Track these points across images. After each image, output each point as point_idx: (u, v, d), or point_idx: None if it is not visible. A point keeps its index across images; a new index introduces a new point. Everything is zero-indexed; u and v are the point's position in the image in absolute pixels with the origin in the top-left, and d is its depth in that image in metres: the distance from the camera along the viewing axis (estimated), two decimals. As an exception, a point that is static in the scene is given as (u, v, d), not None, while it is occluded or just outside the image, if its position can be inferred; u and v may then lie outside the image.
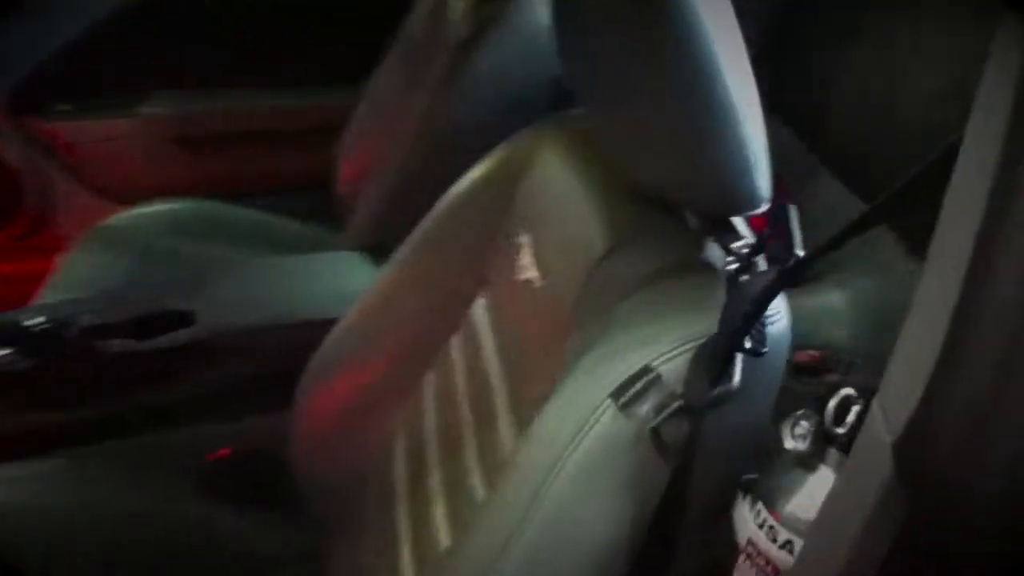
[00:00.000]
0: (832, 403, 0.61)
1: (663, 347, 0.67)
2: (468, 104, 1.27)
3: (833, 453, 0.63)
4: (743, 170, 0.70)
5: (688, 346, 0.67)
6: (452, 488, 0.92)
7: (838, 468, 0.63)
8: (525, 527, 0.68)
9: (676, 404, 0.65)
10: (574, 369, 0.72)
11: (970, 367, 0.44)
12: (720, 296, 0.69)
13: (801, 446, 0.63)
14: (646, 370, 0.67)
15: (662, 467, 0.67)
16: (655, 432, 0.66)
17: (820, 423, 0.62)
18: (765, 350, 0.64)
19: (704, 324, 0.68)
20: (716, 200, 0.73)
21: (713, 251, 0.74)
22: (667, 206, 0.78)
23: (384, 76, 1.52)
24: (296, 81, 1.74)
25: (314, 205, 1.57)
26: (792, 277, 0.63)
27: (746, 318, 0.63)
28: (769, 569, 0.65)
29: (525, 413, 0.80)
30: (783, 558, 0.64)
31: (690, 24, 0.65)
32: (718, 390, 0.65)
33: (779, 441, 0.68)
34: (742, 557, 0.69)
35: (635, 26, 0.68)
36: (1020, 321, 0.43)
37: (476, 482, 0.87)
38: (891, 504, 0.48)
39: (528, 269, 0.89)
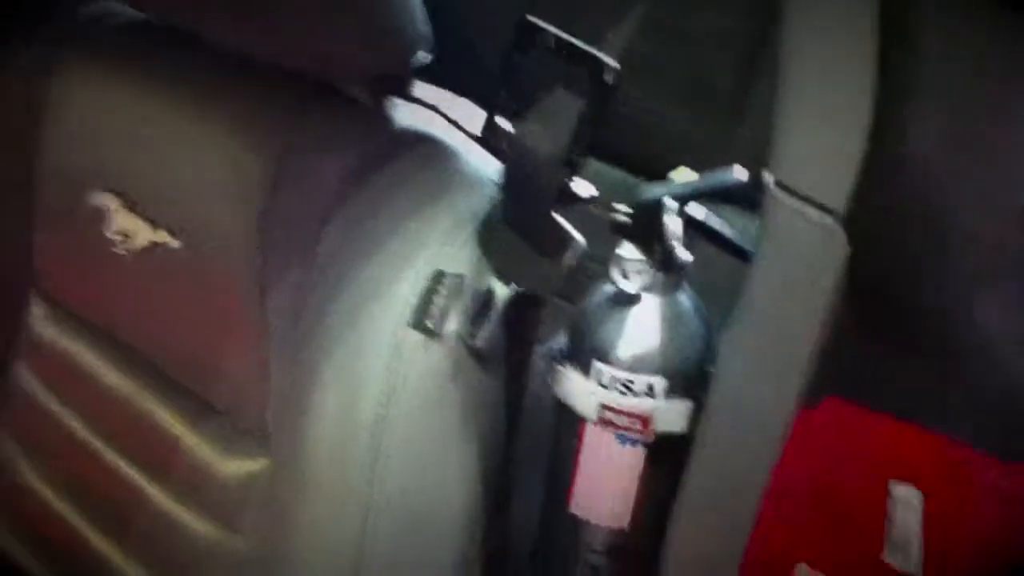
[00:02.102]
0: (669, 222, 0.53)
1: (440, 242, 0.53)
2: None
3: (660, 276, 0.56)
4: (404, 14, 0.56)
5: (464, 232, 0.54)
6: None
7: (664, 288, 0.57)
8: (374, 517, 0.52)
9: (482, 299, 0.53)
10: (328, 320, 0.54)
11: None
12: (458, 163, 0.56)
13: (639, 282, 0.55)
14: (438, 276, 0.52)
15: (489, 377, 0.55)
16: (467, 341, 0.53)
17: (650, 251, 0.54)
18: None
19: (463, 196, 0.55)
20: (379, 57, 0.58)
21: (408, 116, 0.60)
22: (315, 90, 0.60)
23: None
24: None
25: None
26: None
27: (530, 179, 0.52)
28: (636, 423, 0.58)
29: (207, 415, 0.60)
30: (648, 404, 0.58)
31: None
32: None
33: (583, 293, 0.59)
34: (591, 429, 0.60)
35: None
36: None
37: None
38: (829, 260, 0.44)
39: (138, 234, 0.64)
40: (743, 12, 0.64)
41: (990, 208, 0.43)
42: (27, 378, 0.76)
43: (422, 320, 0.51)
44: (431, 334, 0.51)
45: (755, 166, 0.54)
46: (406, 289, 0.52)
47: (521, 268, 0.51)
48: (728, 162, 0.55)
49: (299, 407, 0.55)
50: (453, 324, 0.52)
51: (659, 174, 0.56)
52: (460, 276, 0.52)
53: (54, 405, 0.75)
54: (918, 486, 0.51)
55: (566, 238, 0.50)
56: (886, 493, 0.53)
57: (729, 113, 0.66)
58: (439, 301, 0.52)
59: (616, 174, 0.61)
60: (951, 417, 0.49)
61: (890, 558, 0.54)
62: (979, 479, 0.49)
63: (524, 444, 0.63)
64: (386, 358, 0.52)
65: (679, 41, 0.70)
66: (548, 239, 0.50)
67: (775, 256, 0.46)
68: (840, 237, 0.43)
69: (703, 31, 0.66)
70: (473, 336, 0.51)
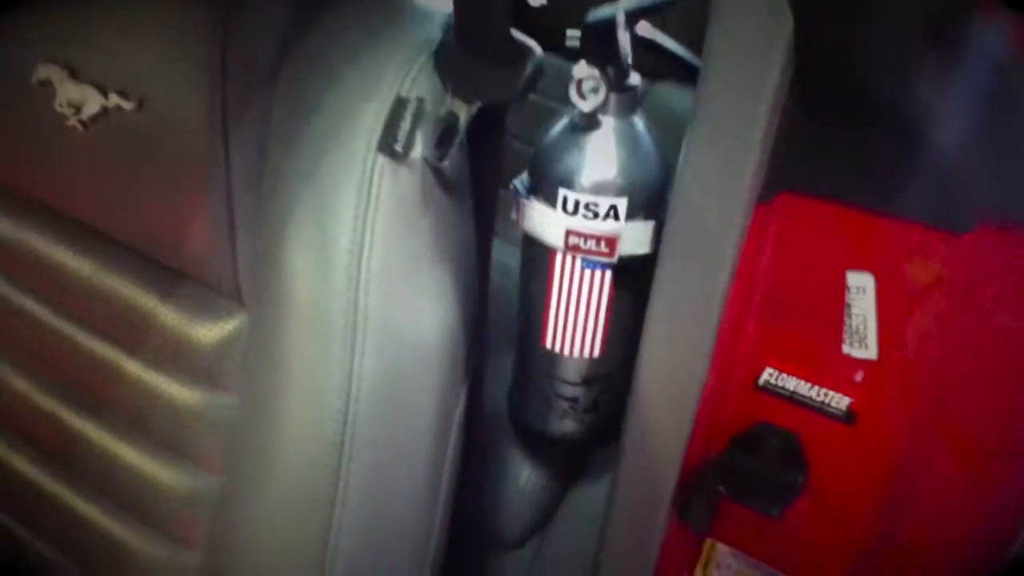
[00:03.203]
0: (620, 40, 0.53)
1: (398, 70, 0.53)
2: None
3: (613, 98, 0.57)
4: None
5: (422, 58, 0.54)
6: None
7: (620, 111, 0.59)
8: (360, 345, 0.53)
9: (445, 123, 0.53)
10: (295, 156, 0.54)
11: None
12: None
13: (595, 101, 0.56)
14: (401, 102, 0.52)
15: (457, 202, 0.56)
16: (434, 166, 0.54)
17: (604, 70, 0.55)
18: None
19: (417, 26, 0.55)
20: None
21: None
22: None
23: None
24: None
25: None
26: None
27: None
28: (603, 245, 0.60)
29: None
30: (612, 226, 0.59)
31: None
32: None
33: (547, 122, 0.60)
34: (561, 257, 0.62)
35: None
36: None
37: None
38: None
39: (87, 102, 0.63)
40: None
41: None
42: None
43: (389, 145, 0.52)
44: (399, 157, 0.52)
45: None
46: (371, 117, 0.53)
47: (481, 84, 0.52)
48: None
49: (272, 252, 0.56)
50: (419, 148, 0.53)
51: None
52: (422, 100, 0.52)
53: (17, 295, 0.74)
54: (872, 271, 0.54)
55: (522, 48, 0.51)
56: (843, 284, 0.55)
57: None
58: (404, 126, 0.52)
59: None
60: (896, 196, 0.51)
61: (849, 348, 0.57)
62: (928, 253, 0.51)
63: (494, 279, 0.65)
64: (356, 186, 0.52)
65: None
66: (505, 52, 0.51)
67: (723, 41, 0.47)
68: (787, 15, 0.44)
69: None
70: (439, 159, 0.52)
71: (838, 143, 0.51)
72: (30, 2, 0.65)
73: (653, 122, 0.61)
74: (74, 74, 0.63)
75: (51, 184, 0.70)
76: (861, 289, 0.55)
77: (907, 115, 0.48)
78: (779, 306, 0.58)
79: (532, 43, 0.51)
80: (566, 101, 0.58)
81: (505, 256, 0.75)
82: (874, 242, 0.53)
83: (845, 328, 0.56)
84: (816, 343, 0.58)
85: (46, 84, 0.64)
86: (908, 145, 0.49)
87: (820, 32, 0.45)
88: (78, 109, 0.64)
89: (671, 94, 1.04)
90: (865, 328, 0.56)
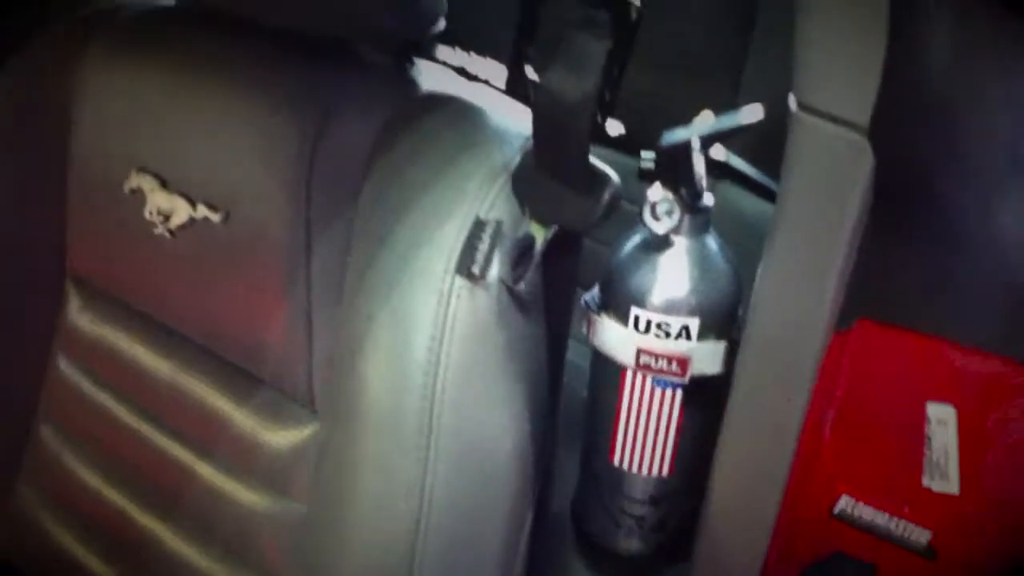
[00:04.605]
0: (694, 164, 0.54)
1: (477, 192, 0.55)
2: None
3: (687, 219, 0.58)
4: None
5: (500, 181, 0.55)
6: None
7: (692, 230, 0.59)
8: (432, 463, 0.53)
9: (521, 245, 0.54)
10: (374, 274, 0.56)
11: None
12: (485, 118, 0.57)
13: (669, 223, 0.57)
14: (479, 224, 0.54)
15: (532, 321, 0.56)
16: (510, 287, 0.54)
17: (677, 193, 0.56)
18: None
19: (495, 148, 0.56)
20: (401, 22, 0.60)
21: (434, 77, 0.61)
22: (343, 57, 0.62)
23: None
24: None
25: None
26: None
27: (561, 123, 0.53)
28: (674, 365, 0.59)
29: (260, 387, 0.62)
30: (684, 346, 0.59)
31: None
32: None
33: (619, 237, 0.61)
34: (631, 375, 0.62)
35: None
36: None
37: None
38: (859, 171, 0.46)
39: (176, 212, 0.66)
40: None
41: (1004, 114, 0.44)
42: (67, 366, 0.78)
43: (467, 266, 0.53)
44: (476, 280, 0.53)
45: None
46: (450, 237, 0.54)
47: (558, 209, 0.53)
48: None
49: (348, 363, 0.57)
50: (496, 269, 0.54)
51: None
52: (500, 222, 0.54)
53: (96, 391, 0.76)
54: (953, 403, 0.53)
55: (600, 176, 0.52)
56: (924, 415, 0.54)
57: (723, 85, 0.68)
58: (482, 248, 0.53)
59: (618, 158, 0.62)
60: (977, 328, 0.50)
61: (929, 481, 0.55)
62: (1009, 387, 0.50)
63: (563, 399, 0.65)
64: (434, 305, 0.53)
65: (672, 20, 0.71)
66: (583, 179, 0.52)
67: (802, 179, 0.47)
68: (866, 151, 0.44)
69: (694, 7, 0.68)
70: (515, 280, 0.53)
71: (918, 272, 0.51)
72: (126, 111, 0.69)
73: (719, 220, 0.61)
74: (165, 184, 0.66)
75: (136, 286, 0.72)
76: (942, 422, 0.53)
77: (990, 246, 0.48)
78: (855, 434, 0.57)
79: (610, 171, 0.52)
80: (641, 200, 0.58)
81: (573, 354, 0.75)
82: (955, 373, 0.52)
83: (925, 460, 0.55)
84: (894, 473, 0.56)
85: (137, 192, 0.68)
86: (991, 276, 0.49)
87: (902, 168, 0.45)
88: (167, 218, 0.67)
89: (736, 193, 1.04)
90: (946, 461, 0.54)
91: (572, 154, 0.51)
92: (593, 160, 0.52)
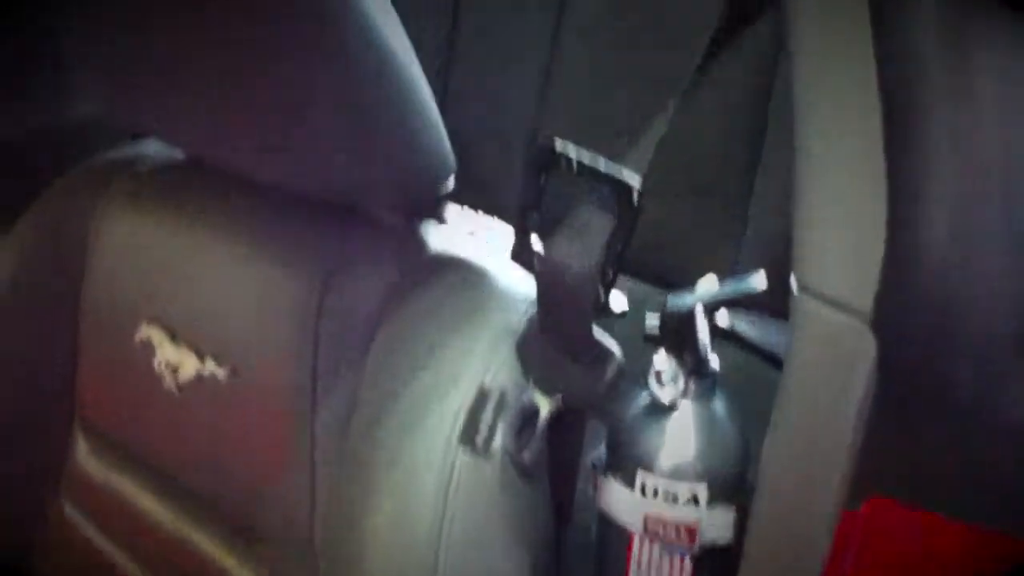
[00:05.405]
0: (699, 330, 0.54)
1: (482, 359, 0.55)
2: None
3: (692, 384, 0.57)
4: (431, 144, 0.59)
5: (505, 347, 0.55)
6: None
7: (699, 395, 0.58)
8: None
9: (525, 414, 0.54)
10: (378, 439, 0.55)
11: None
12: (492, 283, 0.58)
13: (675, 390, 0.56)
14: (483, 393, 0.53)
15: (535, 489, 0.55)
16: (513, 457, 0.54)
17: (682, 359, 0.56)
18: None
19: (500, 314, 0.56)
20: (409, 185, 0.61)
21: (442, 238, 0.62)
22: (351, 215, 0.63)
23: None
24: None
25: None
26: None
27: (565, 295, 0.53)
28: (683, 534, 0.58)
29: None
30: (692, 514, 0.58)
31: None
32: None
33: (620, 402, 0.60)
34: (639, 541, 0.60)
35: None
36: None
37: None
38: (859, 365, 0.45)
39: (184, 366, 0.66)
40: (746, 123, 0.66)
41: (1009, 295, 0.44)
42: (71, 511, 0.77)
43: (471, 437, 0.53)
44: (479, 451, 0.53)
45: (767, 263, 0.56)
46: (454, 406, 0.54)
47: (562, 381, 0.52)
48: (737, 262, 0.56)
49: (350, 528, 0.56)
50: (499, 439, 0.53)
51: (674, 282, 0.58)
52: (504, 392, 0.53)
53: (97, 538, 0.75)
54: (972, 585, 0.51)
55: (604, 351, 0.52)
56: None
57: (734, 216, 0.68)
58: (486, 418, 0.53)
59: (631, 286, 0.62)
60: (991, 509, 0.48)
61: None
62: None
63: (569, 562, 0.63)
64: (437, 472, 0.53)
65: (685, 154, 0.72)
66: (586, 352, 0.51)
67: (805, 360, 0.47)
68: (868, 338, 0.44)
69: (707, 142, 0.69)
70: (519, 450, 0.52)
71: (927, 450, 0.50)
72: (139, 261, 0.70)
73: (726, 373, 0.60)
74: (174, 337, 0.67)
75: (143, 435, 0.72)
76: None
77: (999, 425, 0.47)
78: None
79: (614, 347, 0.52)
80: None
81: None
82: (968, 553, 0.50)
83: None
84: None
85: (147, 344, 0.68)
86: (1003, 454, 0.48)
87: (906, 352, 0.45)
88: (175, 370, 0.67)
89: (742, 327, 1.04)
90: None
91: (575, 326, 0.51)
92: (598, 333, 0.52)
